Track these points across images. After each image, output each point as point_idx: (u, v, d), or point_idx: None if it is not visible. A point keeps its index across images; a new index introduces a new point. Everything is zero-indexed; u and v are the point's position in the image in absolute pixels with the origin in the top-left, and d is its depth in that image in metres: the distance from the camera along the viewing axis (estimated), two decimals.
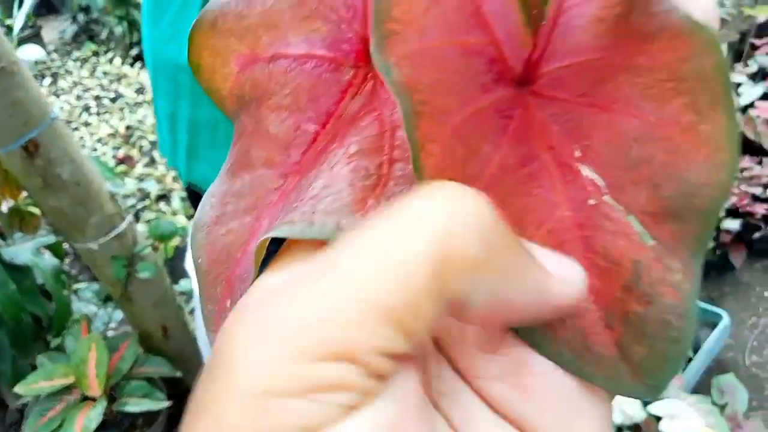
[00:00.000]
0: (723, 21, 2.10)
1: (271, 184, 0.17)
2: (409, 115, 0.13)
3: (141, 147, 2.35)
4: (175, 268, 1.48)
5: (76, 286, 1.36)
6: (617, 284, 0.14)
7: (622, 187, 0.14)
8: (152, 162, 2.24)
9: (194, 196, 0.86)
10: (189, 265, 1.10)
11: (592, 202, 0.15)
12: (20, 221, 1.13)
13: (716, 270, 1.47)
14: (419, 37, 0.13)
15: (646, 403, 1.00)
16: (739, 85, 1.69)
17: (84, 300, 1.31)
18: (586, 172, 0.15)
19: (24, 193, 1.06)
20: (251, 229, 0.17)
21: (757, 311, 1.41)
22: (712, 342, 1.19)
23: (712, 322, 1.24)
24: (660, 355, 0.14)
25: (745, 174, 1.51)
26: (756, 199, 1.44)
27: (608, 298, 0.15)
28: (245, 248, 0.17)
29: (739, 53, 1.92)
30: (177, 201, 1.96)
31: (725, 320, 1.22)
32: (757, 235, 1.43)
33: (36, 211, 1.13)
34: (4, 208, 1.11)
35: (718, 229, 1.42)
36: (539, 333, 0.15)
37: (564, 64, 0.15)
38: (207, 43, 0.18)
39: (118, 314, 1.31)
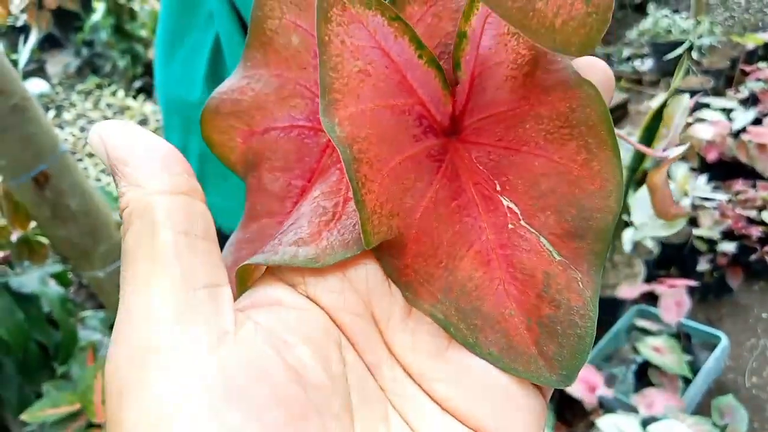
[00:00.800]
0: (713, 48, 2.15)
1: (271, 230, 0.21)
2: (349, 162, 0.16)
3: None
4: None
5: (82, 314, 1.38)
6: (533, 293, 0.17)
7: (534, 213, 0.17)
8: None
9: None
10: None
11: (510, 226, 0.18)
12: (29, 251, 1.16)
13: (714, 292, 1.48)
14: (356, 102, 0.17)
15: (645, 424, 1.00)
16: (731, 110, 1.72)
17: (90, 328, 1.33)
18: (506, 202, 0.18)
19: (33, 224, 1.10)
20: None
21: (755, 333, 1.41)
22: (711, 364, 1.19)
23: (711, 344, 1.25)
24: (569, 349, 0.17)
25: (740, 197, 1.53)
26: (751, 221, 1.46)
27: (526, 305, 0.17)
28: None
29: (730, 79, 1.96)
30: None
31: (724, 342, 1.22)
32: (753, 257, 1.44)
33: (44, 240, 1.16)
34: (14, 238, 1.14)
35: (714, 252, 1.44)
36: (472, 336, 0.17)
37: (483, 116, 0.18)
38: (214, 124, 0.22)
39: None
